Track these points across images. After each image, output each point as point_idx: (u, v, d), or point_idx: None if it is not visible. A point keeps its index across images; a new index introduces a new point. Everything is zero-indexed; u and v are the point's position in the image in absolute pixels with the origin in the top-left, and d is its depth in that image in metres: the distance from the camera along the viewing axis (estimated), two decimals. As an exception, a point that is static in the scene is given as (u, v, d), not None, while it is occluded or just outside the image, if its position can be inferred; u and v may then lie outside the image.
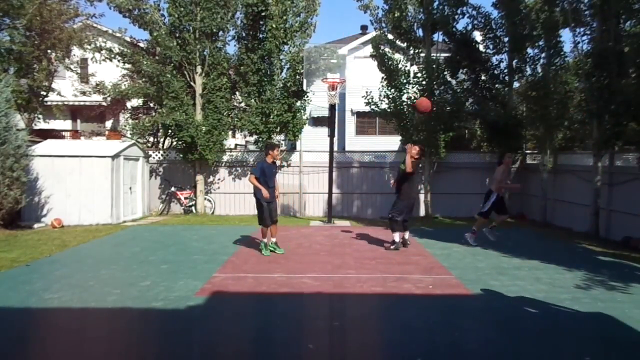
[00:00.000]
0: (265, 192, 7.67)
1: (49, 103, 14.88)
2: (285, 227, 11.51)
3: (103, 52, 14.87)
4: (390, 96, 13.94)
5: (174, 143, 15.29)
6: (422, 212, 14.55)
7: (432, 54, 14.03)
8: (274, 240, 8.22)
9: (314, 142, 16.76)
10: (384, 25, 14.30)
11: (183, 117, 13.22)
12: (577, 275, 6.70)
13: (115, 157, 11.77)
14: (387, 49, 14.30)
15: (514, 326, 4.78)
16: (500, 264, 7.47)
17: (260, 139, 14.04)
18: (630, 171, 9.84)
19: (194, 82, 13.77)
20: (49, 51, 13.41)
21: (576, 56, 11.48)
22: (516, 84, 14.53)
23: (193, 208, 14.24)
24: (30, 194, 10.98)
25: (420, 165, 8.78)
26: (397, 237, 8.53)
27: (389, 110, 14.07)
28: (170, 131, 14.74)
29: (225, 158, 14.76)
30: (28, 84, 13.04)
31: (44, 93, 13.81)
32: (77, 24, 14.91)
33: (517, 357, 4.07)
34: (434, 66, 13.69)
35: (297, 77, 13.63)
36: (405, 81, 13.85)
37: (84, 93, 16.76)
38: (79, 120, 22.39)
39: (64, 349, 4.24)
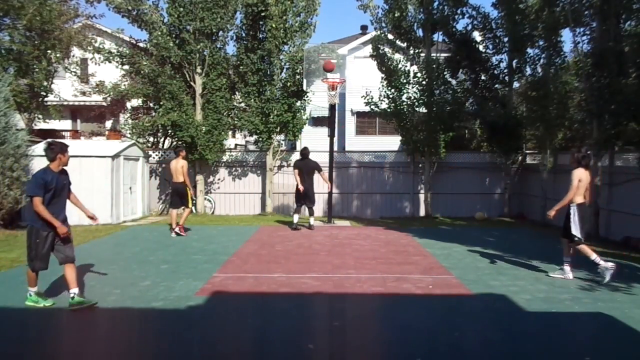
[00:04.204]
0: (59, 225, 5.01)
1: (48, 103, 14.87)
2: (285, 227, 11.52)
3: (102, 53, 14.84)
4: (390, 96, 13.95)
5: (174, 143, 15.28)
6: (422, 212, 14.55)
7: (432, 54, 14.04)
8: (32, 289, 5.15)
9: (314, 142, 16.72)
10: (384, 25, 14.31)
11: (182, 118, 13.22)
12: (577, 275, 6.70)
13: (115, 157, 11.77)
14: (387, 49, 14.30)
15: (514, 326, 4.78)
16: (500, 264, 7.47)
17: (260, 139, 14.04)
18: (630, 171, 9.83)
19: (194, 82, 13.76)
20: (48, 51, 13.39)
21: (576, 56, 11.48)
22: (516, 84, 14.54)
23: (193, 208, 14.21)
24: (30, 194, 10.96)
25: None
26: (295, 218, 11.13)
27: (389, 110, 14.08)
28: (170, 131, 14.73)
29: (225, 158, 14.76)
30: (27, 83, 13.02)
31: (44, 93, 13.79)
32: (77, 24, 14.88)
33: (517, 357, 4.07)
34: (434, 66, 13.69)
35: (297, 77, 13.62)
36: (405, 81, 13.86)
37: (83, 93, 16.77)
38: (79, 120, 22.42)
39: (65, 349, 4.24)
